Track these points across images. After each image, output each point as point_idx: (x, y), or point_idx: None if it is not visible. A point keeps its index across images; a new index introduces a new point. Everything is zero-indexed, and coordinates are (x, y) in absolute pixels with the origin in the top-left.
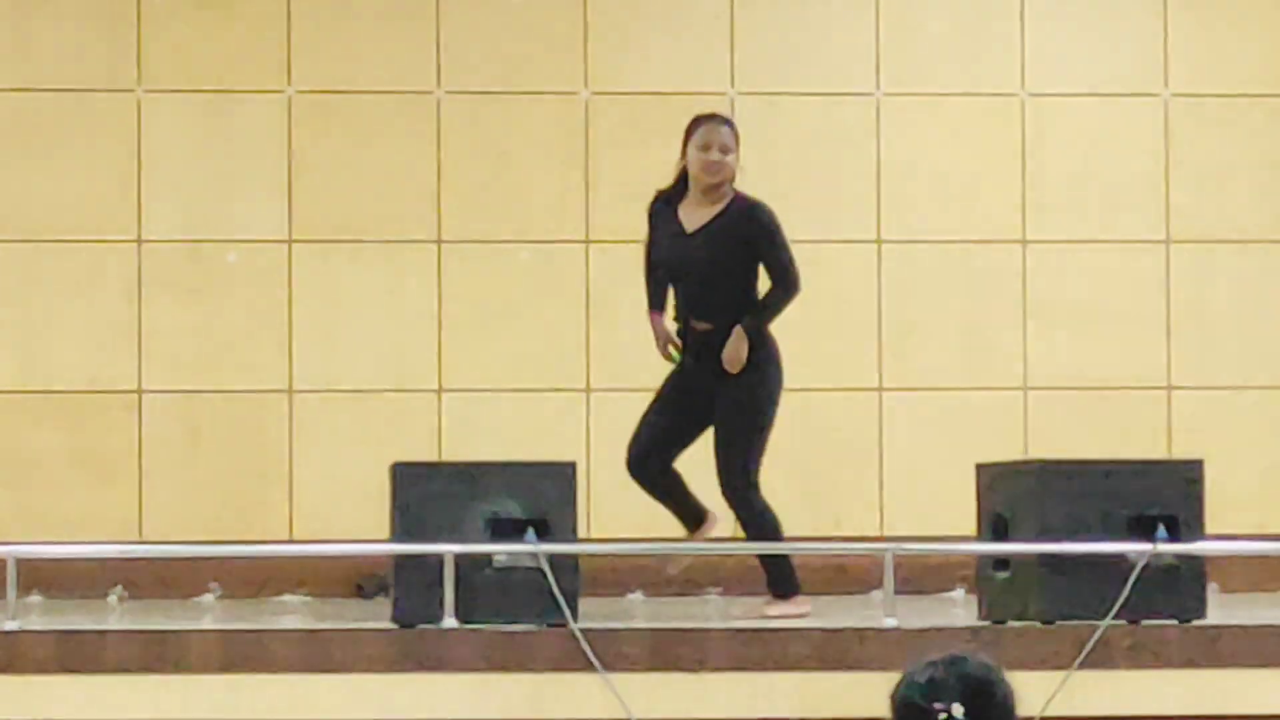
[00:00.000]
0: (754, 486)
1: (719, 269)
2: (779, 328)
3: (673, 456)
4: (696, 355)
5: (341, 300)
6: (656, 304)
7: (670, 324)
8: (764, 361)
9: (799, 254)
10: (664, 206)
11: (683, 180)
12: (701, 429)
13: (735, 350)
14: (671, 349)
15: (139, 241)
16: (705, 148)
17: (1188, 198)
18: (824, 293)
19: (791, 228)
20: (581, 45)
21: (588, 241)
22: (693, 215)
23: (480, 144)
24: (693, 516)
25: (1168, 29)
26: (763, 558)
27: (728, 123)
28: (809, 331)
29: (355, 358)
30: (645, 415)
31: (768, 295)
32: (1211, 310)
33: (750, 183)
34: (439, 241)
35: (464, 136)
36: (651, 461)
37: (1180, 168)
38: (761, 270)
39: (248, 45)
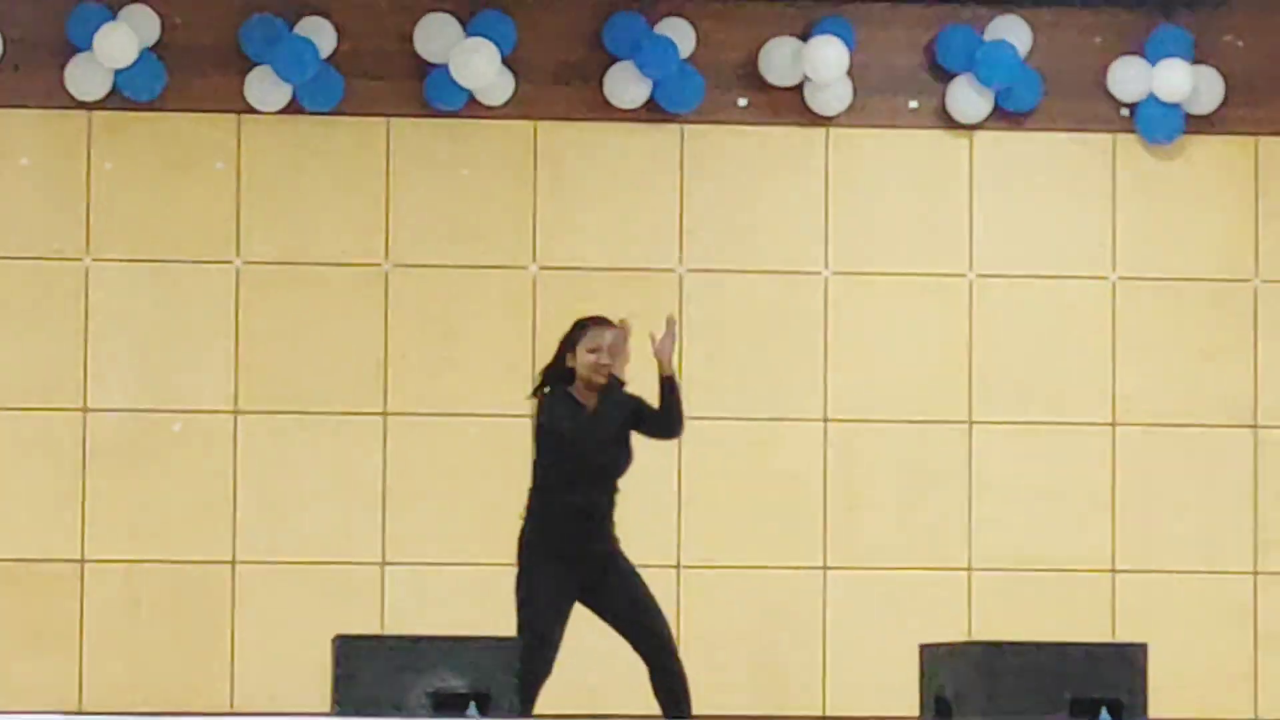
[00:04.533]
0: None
1: (616, 446)
2: (724, 498)
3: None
4: (568, 534)
5: (287, 471)
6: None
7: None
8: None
9: (747, 432)
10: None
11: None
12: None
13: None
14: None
15: (85, 410)
16: (595, 349)
17: (1134, 381)
18: (770, 469)
19: (738, 404)
20: (530, 220)
21: (535, 415)
22: (586, 397)
23: (428, 317)
24: None
25: (1115, 212)
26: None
27: (612, 326)
28: (754, 508)
29: (300, 529)
30: (541, 622)
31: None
32: (1156, 494)
33: (698, 359)
34: (385, 414)
35: (412, 309)
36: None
37: (1127, 351)
38: None
39: (197, 215)
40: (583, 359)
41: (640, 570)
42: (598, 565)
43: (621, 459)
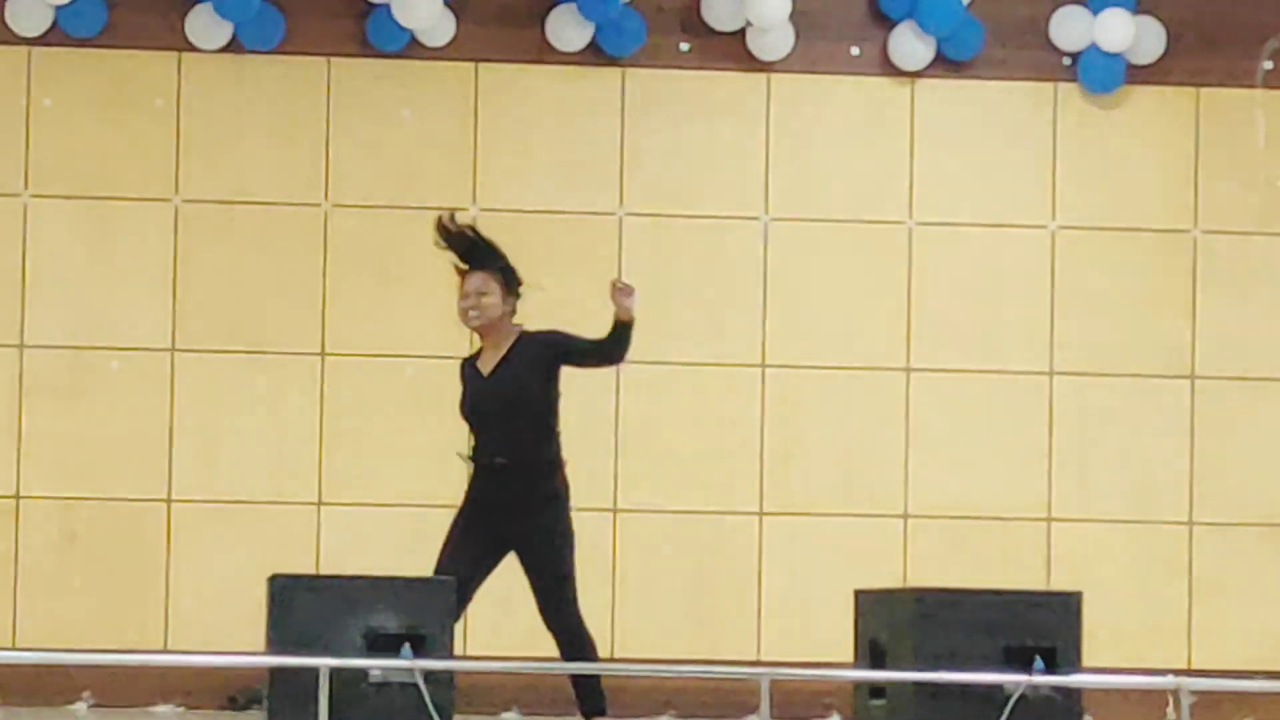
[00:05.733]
0: (579, 612)
1: (517, 406)
2: (661, 442)
3: (472, 594)
4: (495, 492)
5: (223, 410)
6: None
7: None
8: (559, 499)
9: (683, 376)
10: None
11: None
12: (498, 561)
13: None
14: None
15: (21, 346)
16: (463, 296)
17: (1072, 330)
18: (707, 415)
19: (676, 349)
20: (471, 162)
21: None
22: (486, 360)
23: (367, 257)
24: None
25: (1056, 162)
26: (579, 677)
27: (484, 267)
28: (691, 453)
29: (235, 468)
30: (446, 560)
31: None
32: (1093, 443)
33: (637, 303)
34: (322, 354)
35: (350, 250)
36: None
37: (1065, 300)
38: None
39: (136, 153)
40: (458, 310)
41: (577, 514)
42: (525, 525)
43: (530, 417)
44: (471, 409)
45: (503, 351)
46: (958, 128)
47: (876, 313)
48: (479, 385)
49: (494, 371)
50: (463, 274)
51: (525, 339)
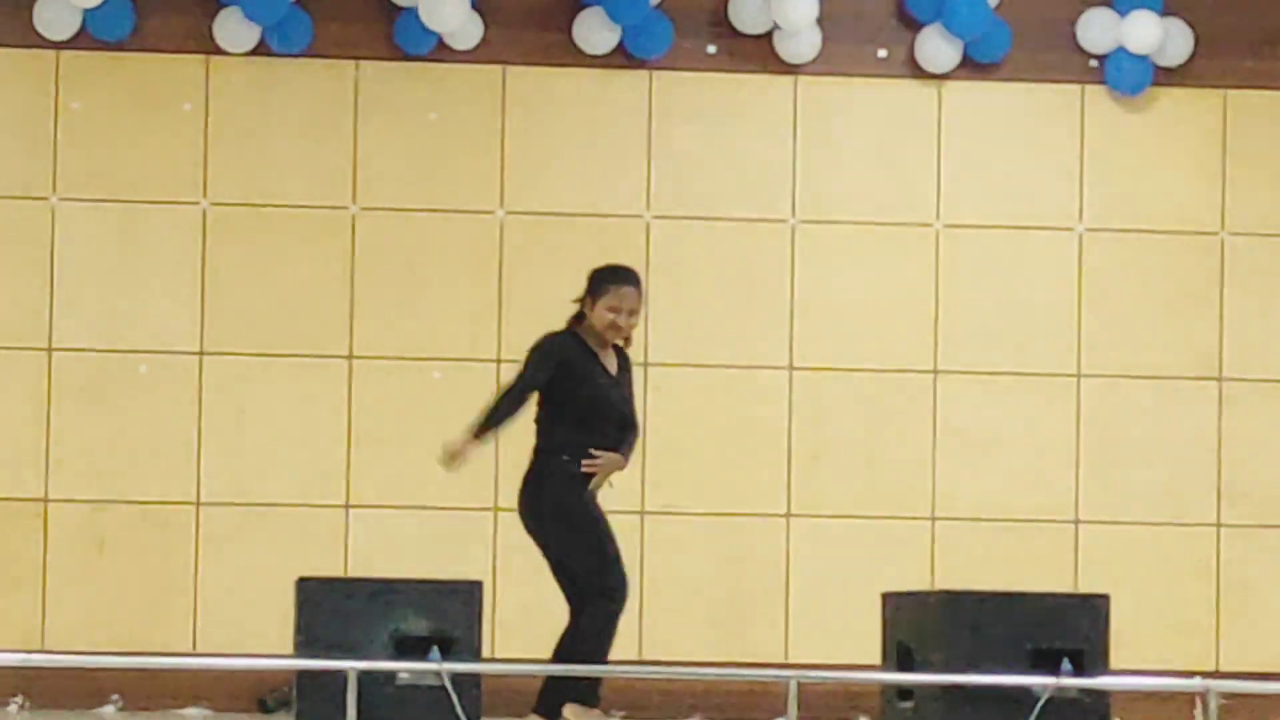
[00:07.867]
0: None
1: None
2: (689, 445)
3: None
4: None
5: (251, 413)
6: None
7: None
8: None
9: (712, 379)
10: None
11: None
12: None
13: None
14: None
15: (49, 350)
16: (616, 309)
17: (1099, 332)
18: (735, 417)
19: (703, 352)
20: (498, 165)
21: (499, 361)
22: (609, 363)
23: (394, 260)
24: None
25: (1083, 164)
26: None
27: (638, 285)
28: (719, 455)
29: (263, 471)
30: (609, 541)
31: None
32: (1120, 445)
33: (664, 307)
34: (350, 357)
35: (378, 253)
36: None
37: (1092, 302)
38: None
39: (164, 156)
40: (600, 315)
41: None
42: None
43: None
44: (607, 403)
45: (615, 360)
46: (985, 130)
47: (904, 315)
48: (610, 385)
49: (616, 377)
50: (616, 285)
51: (622, 354)
